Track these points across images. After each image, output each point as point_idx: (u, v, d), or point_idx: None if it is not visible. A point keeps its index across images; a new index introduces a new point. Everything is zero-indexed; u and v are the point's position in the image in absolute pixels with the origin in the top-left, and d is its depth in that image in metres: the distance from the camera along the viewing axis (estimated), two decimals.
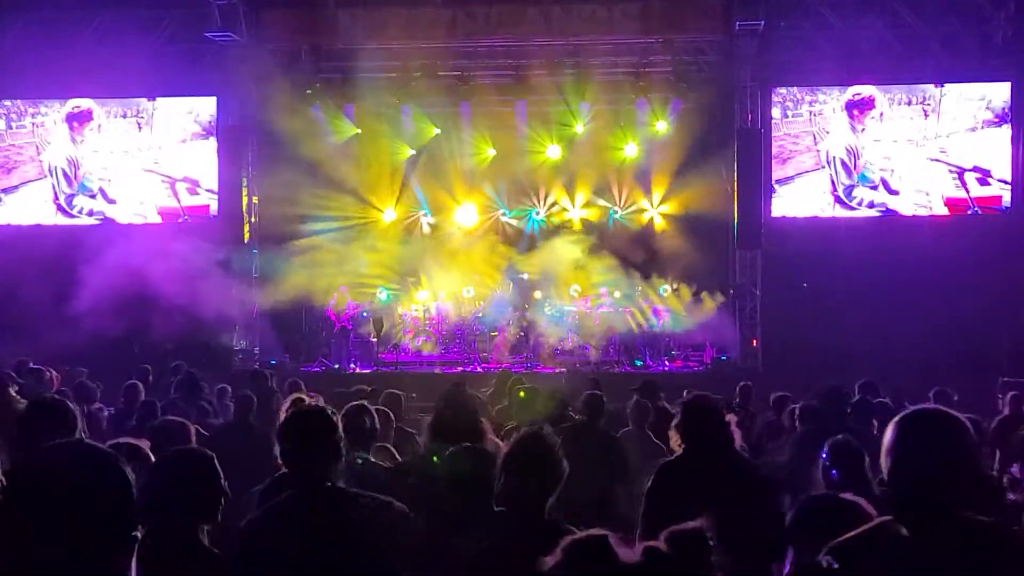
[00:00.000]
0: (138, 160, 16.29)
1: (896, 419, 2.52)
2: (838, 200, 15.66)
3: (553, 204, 16.63)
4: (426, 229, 16.81)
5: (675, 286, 15.61)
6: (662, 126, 15.72)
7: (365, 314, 15.48)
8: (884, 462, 2.50)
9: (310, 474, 3.16)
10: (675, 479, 4.25)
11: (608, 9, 14.53)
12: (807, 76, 15.47)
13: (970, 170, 15.42)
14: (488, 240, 16.50)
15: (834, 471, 4.03)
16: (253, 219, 16.06)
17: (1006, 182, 15.33)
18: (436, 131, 16.26)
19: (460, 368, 14.93)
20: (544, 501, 3.16)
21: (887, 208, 15.60)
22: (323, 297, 15.58)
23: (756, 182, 15.04)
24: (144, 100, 16.26)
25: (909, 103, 15.47)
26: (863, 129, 15.53)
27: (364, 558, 3.07)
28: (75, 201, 16.34)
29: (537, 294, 15.88)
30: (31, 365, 9.35)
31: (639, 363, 15.19)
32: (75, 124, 16.26)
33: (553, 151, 16.18)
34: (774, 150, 15.64)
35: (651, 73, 15.24)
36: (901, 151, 15.50)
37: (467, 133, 16.20)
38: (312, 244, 15.70)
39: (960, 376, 10.96)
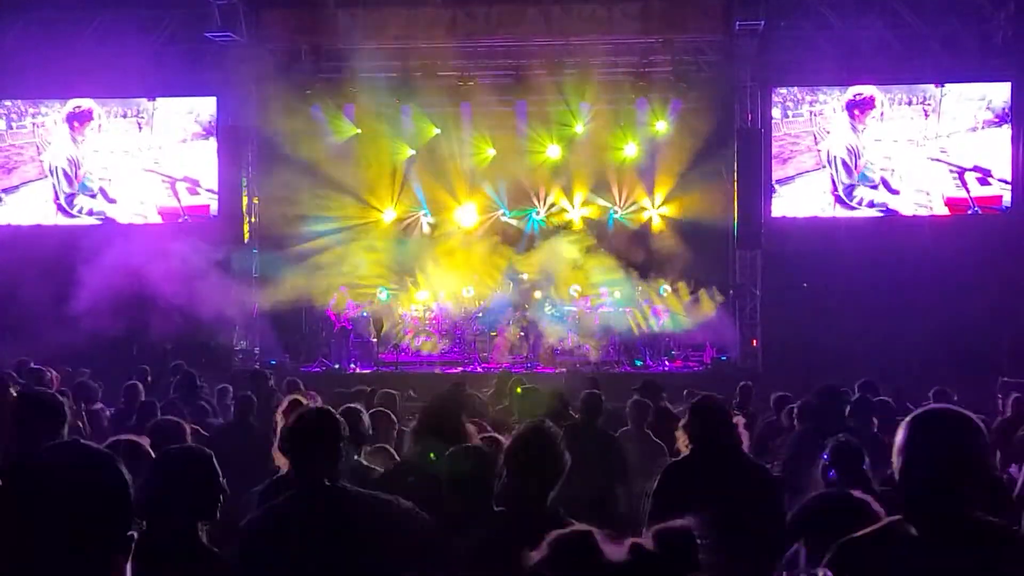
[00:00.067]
0: (138, 160, 16.30)
1: (909, 419, 2.50)
2: (838, 200, 15.66)
3: (553, 204, 16.63)
4: (426, 229, 16.81)
5: (675, 286, 15.61)
6: (662, 126, 15.72)
7: (365, 314, 15.49)
8: (895, 461, 2.48)
9: (311, 473, 3.17)
10: (682, 480, 4.26)
11: (608, 9, 14.53)
12: (807, 76, 15.47)
13: (970, 170, 15.42)
14: (488, 240, 16.49)
15: (832, 471, 4.04)
16: (253, 219, 16.06)
17: (1006, 182, 15.33)
18: (436, 131, 16.25)
19: (460, 368, 14.93)
20: (546, 494, 3.18)
21: (887, 208, 15.60)
22: (323, 297, 15.59)
23: (756, 182, 15.04)
24: (144, 100, 16.27)
25: (909, 103, 15.48)
26: (864, 129, 15.53)
27: (365, 557, 3.07)
28: (75, 201, 16.35)
29: (537, 294, 15.88)
30: (31, 365, 9.36)
31: (639, 363, 15.19)
32: (76, 124, 16.27)
33: (553, 151, 16.18)
34: (774, 150, 15.64)
35: (651, 73, 15.24)
36: (901, 151, 15.51)
37: (467, 133, 16.20)
38: (312, 244, 15.71)
39: (960, 376, 10.96)
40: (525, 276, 16.09)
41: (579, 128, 15.93)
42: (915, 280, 14.27)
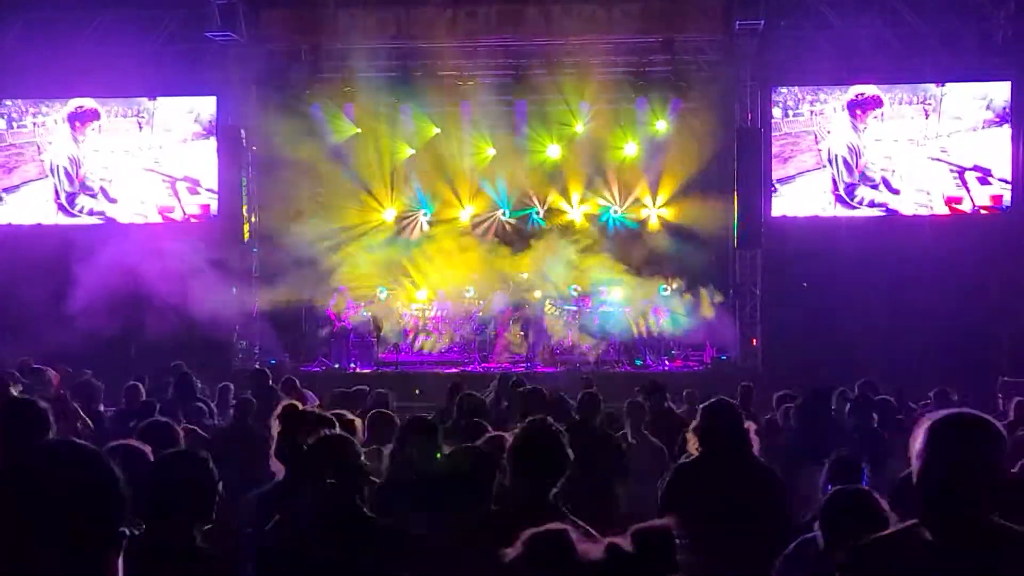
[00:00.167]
0: (139, 160, 16.31)
1: (928, 423, 2.48)
2: (839, 199, 15.65)
3: (553, 203, 16.62)
4: (426, 228, 16.81)
5: (675, 285, 15.61)
6: (662, 126, 15.71)
7: (365, 314, 15.50)
8: (914, 465, 2.47)
9: (334, 498, 3.20)
10: (692, 481, 4.28)
11: (608, 9, 14.53)
12: (807, 75, 15.46)
13: (971, 169, 15.42)
14: (488, 239, 16.50)
15: (829, 486, 4.04)
16: (253, 218, 16.07)
17: (1007, 181, 15.32)
18: (436, 131, 16.26)
19: (460, 368, 14.94)
20: (549, 492, 3.20)
21: (888, 208, 15.60)
22: (323, 297, 15.60)
23: (756, 181, 15.04)
24: (145, 100, 16.28)
25: (910, 102, 15.47)
26: (865, 128, 15.52)
27: None
28: (77, 201, 16.36)
29: (537, 294, 15.88)
30: (33, 365, 9.39)
31: (639, 363, 15.20)
32: (77, 124, 16.28)
33: (553, 151, 16.18)
34: (775, 149, 15.64)
35: (651, 73, 15.23)
36: (902, 150, 15.50)
37: (467, 133, 16.19)
38: (312, 244, 15.71)
39: (960, 376, 10.97)
40: (525, 275, 16.09)
41: (579, 128, 15.92)
42: (915, 280, 14.26)
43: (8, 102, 16.38)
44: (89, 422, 7.81)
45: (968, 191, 15.45)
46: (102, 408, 8.44)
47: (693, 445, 4.44)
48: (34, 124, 16.39)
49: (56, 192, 16.34)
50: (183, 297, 13.59)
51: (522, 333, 15.54)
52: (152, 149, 16.32)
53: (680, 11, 14.55)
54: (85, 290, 13.45)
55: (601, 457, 5.62)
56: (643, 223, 16.44)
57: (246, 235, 15.85)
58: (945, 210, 15.48)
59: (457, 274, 16.04)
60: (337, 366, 15.20)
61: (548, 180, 16.49)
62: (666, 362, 15.33)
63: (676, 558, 1.84)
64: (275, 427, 4.24)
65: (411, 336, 15.88)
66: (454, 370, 14.69)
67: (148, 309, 13.62)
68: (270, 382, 8.84)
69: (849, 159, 15.58)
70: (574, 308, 15.66)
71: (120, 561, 1.64)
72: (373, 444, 4.91)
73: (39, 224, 16.27)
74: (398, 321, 15.90)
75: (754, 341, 15.17)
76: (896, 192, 15.56)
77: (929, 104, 15.40)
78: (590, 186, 16.44)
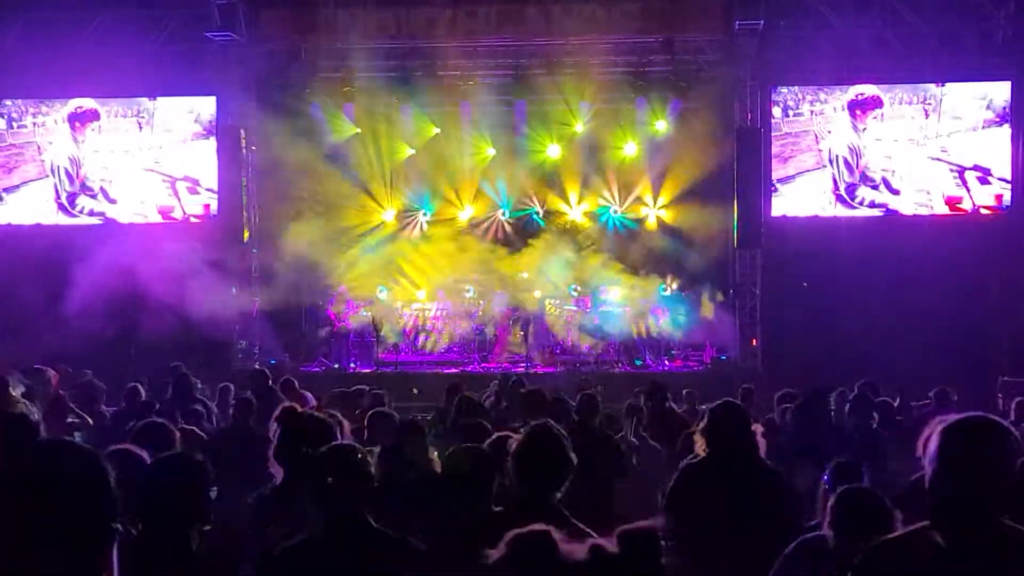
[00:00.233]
0: (139, 160, 16.31)
1: (941, 427, 2.48)
2: (840, 199, 15.65)
3: (552, 204, 16.62)
4: (425, 228, 16.81)
5: (674, 285, 15.61)
6: (662, 125, 15.71)
7: (365, 314, 15.50)
8: (927, 469, 2.48)
9: (343, 509, 3.20)
10: (697, 482, 4.29)
11: (608, 9, 14.53)
12: (807, 75, 15.46)
13: (971, 169, 15.41)
14: (488, 239, 16.50)
15: (829, 489, 4.04)
16: (253, 218, 16.07)
17: (1007, 181, 15.32)
18: (436, 130, 16.26)
19: (460, 368, 14.94)
20: (552, 495, 3.22)
21: (888, 208, 15.59)
22: (322, 297, 15.59)
23: (756, 181, 15.04)
24: (145, 100, 16.27)
25: (910, 102, 15.46)
26: (865, 128, 15.52)
27: None
28: (77, 201, 16.36)
29: (537, 294, 15.88)
30: (35, 365, 9.41)
31: (639, 363, 15.20)
32: (77, 124, 16.28)
33: (553, 150, 16.18)
34: (775, 149, 15.63)
35: (651, 73, 15.22)
36: (902, 150, 15.49)
37: (467, 132, 16.19)
38: (312, 243, 15.71)
39: (960, 376, 10.95)
40: (525, 275, 16.09)
41: (579, 128, 15.91)
42: (915, 280, 14.25)
43: (8, 102, 16.38)
44: (89, 420, 7.84)
45: (968, 191, 15.45)
46: (103, 408, 8.46)
47: (700, 446, 4.44)
48: (34, 124, 16.39)
49: (56, 192, 16.34)
50: (183, 297, 13.59)
51: (522, 333, 15.53)
52: (152, 149, 16.31)
53: (680, 11, 14.55)
54: (85, 290, 13.43)
55: (600, 458, 5.62)
56: (643, 223, 16.44)
57: (246, 235, 15.84)
58: (945, 210, 15.48)
59: (456, 274, 16.04)
60: (337, 366, 15.20)
61: (548, 180, 16.49)
62: (666, 362, 15.34)
63: (661, 560, 1.83)
64: (273, 430, 4.24)
65: (411, 336, 15.88)
66: (454, 370, 14.69)
67: (148, 309, 13.60)
68: (270, 382, 8.84)
69: (849, 159, 15.57)
70: (574, 308, 15.66)
71: (115, 558, 1.65)
72: (372, 445, 4.91)
73: (39, 224, 16.27)
74: (398, 321, 15.90)
75: (754, 341, 15.17)
76: (896, 192, 15.56)
77: (929, 104, 15.40)
78: (590, 186, 16.44)
